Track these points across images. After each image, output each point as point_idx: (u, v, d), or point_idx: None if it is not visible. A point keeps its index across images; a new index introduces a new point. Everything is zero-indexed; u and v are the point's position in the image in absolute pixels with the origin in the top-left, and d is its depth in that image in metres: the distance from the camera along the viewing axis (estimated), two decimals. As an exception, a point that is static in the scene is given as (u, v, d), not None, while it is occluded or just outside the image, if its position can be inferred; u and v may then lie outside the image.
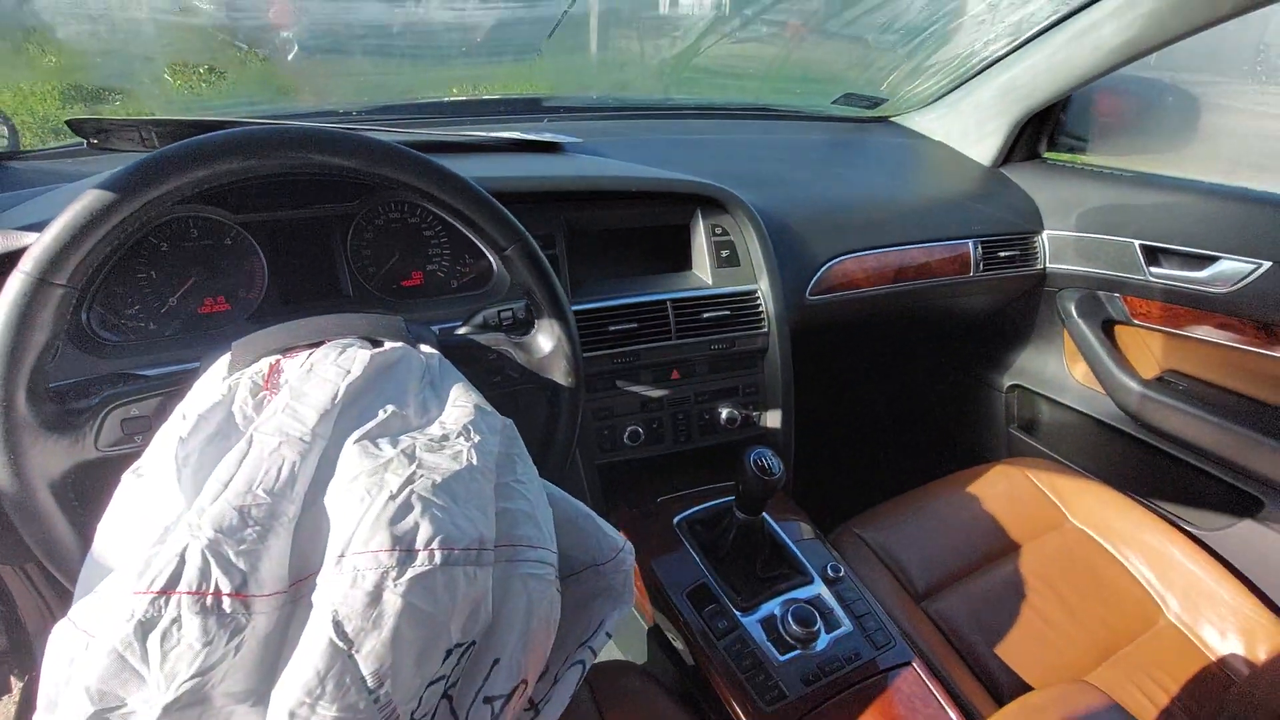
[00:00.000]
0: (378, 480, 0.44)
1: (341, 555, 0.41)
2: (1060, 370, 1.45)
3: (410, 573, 0.40)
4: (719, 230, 1.04)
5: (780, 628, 0.80)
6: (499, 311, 0.78)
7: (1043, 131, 1.44)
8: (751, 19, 1.39)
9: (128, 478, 0.48)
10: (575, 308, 0.88)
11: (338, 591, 0.39)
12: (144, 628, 0.37)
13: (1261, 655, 0.94)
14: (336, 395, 0.49)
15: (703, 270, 1.05)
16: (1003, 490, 1.20)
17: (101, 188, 0.51)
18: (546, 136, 1.14)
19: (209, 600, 0.38)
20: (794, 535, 0.93)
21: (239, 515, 0.41)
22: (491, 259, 0.92)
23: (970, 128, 1.43)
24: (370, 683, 0.38)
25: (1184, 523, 1.20)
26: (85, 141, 0.90)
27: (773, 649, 0.78)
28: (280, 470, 0.44)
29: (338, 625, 0.38)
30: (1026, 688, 0.89)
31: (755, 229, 1.03)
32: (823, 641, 0.79)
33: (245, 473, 0.43)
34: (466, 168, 0.92)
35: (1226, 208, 1.16)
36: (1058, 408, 1.47)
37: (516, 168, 1.00)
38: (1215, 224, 1.15)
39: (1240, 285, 1.10)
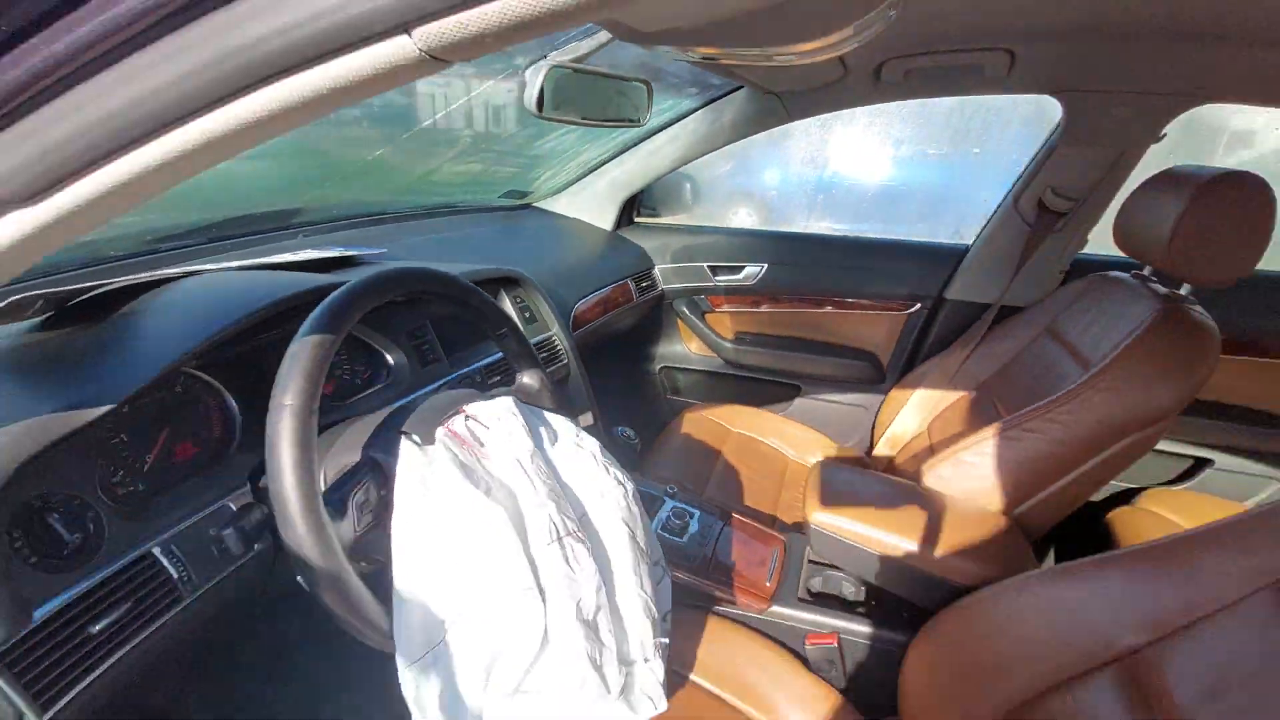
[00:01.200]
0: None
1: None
2: (683, 349, 2.29)
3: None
4: (519, 299, 1.44)
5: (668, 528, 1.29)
6: (478, 373, 1.05)
7: (633, 206, 2.24)
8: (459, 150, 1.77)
9: (414, 493, 0.68)
10: (465, 370, 1.19)
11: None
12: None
13: (820, 456, 1.86)
14: (527, 429, 0.79)
15: (515, 330, 1.43)
16: (694, 427, 1.91)
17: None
18: (334, 251, 1.33)
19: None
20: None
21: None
22: (387, 357, 1.13)
23: (595, 207, 2.13)
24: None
25: (770, 409, 2.13)
26: None
27: (686, 543, 1.26)
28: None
29: None
30: (770, 517, 1.60)
31: (540, 294, 1.47)
32: (693, 526, 1.30)
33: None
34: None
35: (743, 239, 2.12)
36: (688, 373, 2.30)
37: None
38: (739, 248, 2.09)
39: (759, 279, 2.06)
